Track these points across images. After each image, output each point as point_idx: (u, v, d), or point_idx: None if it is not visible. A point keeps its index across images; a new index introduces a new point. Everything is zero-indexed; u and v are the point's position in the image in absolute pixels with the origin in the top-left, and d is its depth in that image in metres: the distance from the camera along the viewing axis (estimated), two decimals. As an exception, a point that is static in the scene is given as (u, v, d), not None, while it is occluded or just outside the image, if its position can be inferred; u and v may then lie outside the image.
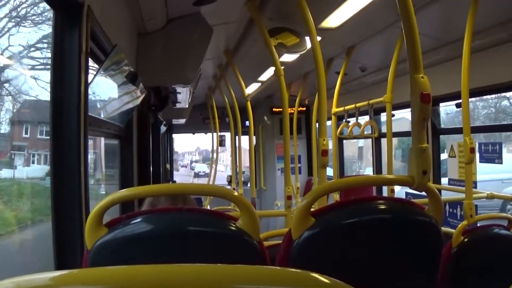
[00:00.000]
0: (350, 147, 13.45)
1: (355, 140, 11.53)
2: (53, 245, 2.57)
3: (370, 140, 9.52)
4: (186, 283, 0.88)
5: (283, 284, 0.90)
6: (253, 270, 0.92)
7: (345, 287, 0.91)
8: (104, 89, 4.02)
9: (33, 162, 4.98)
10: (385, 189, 7.31)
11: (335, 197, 6.96)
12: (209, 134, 14.51)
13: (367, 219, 2.15)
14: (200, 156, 57.43)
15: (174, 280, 0.88)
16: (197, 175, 44.80)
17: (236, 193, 2.12)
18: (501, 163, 5.89)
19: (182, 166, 51.19)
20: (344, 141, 10.76)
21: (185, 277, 0.89)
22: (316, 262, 2.13)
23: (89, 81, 2.84)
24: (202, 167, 47.65)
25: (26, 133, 4.91)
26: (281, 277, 0.92)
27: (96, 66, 3.48)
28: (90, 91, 2.92)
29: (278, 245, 2.36)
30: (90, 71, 2.87)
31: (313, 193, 2.22)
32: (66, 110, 2.60)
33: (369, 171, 12.53)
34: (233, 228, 2.00)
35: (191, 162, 54.38)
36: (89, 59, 2.90)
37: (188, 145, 56.60)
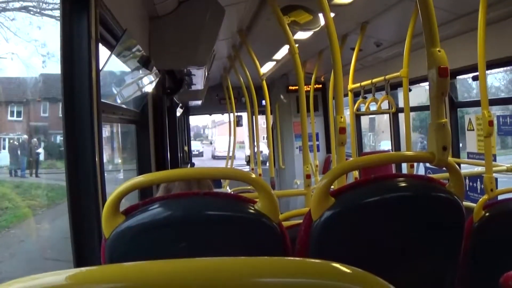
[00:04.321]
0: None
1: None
2: (71, 234, 2.57)
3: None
4: (204, 277, 0.85)
5: (303, 276, 0.87)
6: (273, 262, 0.89)
7: (366, 275, 0.88)
8: (117, 74, 4.00)
9: (3, 148, 4.77)
10: (404, 165, 7.28)
11: (355, 174, 6.94)
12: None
13: (388, 198, 2.13)
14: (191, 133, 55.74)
15: (191, 275, 0.85)
16: None
17: (253, 175, 2.10)
18: (521, 135, 5.82)
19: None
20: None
21: (203, 271, 0.86)
22: (337, 243, 2.12)
23: (100, 68, 2.82)
24: (195, 146, 41.83)
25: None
26: (301, 269, 0.89)
27: (108, 51, 3.46)
28: (102, 76, 2.90)
29: (298, 225, 2.34)
30: (101, 57, 2.85)
31: (332, 172, 2.20)
32: (78, 97, 2.58)
33: (384, 145, 12.45)
34: (251, 211, 1.98)
35: (180, 139, 51.79)
36: (100, 45, 2.87)
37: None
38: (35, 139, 4.89)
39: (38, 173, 4.86)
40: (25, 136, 4.81)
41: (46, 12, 4.15)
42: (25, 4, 4.12)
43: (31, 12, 4.13)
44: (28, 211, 4.46)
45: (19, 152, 4.70)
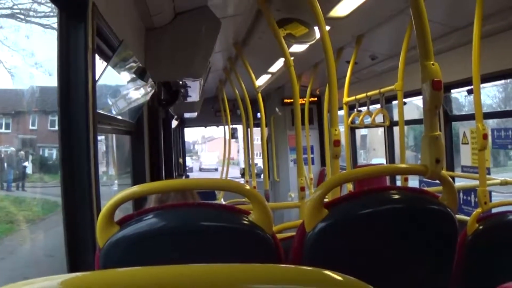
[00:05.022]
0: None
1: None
2: (65, 244, 2.57)
3: (374, 128, 9.47)
4: (198, 283, 0.86)
5: (296, 283, 0.89)
6: (265, 269, 0.91)
7: (358, 283, 0.89)
8: (113, 86, 4.00)
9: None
10: (398, 177, 7.28)
11: (349, 187, 6.94)
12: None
13: (381, 210, 2.14)
14: (181, 149, 57.14)
15: (185, 281, 0.86)
16: None
17: (247, 187, 2.10)
18: (515, 149, 5.84)
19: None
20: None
21: (196, 277, 0.87)
22: (330, 254, 2.12)
23: (96, 78, 2.83)
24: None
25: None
26: (294, 276, 0.91)
27: (104, 62, 3.47)
28: (98, 87, 2.91)
29: (292, 238, 2.34)
30: (97, 67, 2.86)
31: (325, 184, 2.21)
32: (74, 108, 2.59)
33: (376, 162, 12.46)
34: (245, 222, 1.99)
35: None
36: (97, 56, 2.89)
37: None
38: (22, 152, 4.85)
39: (25, 186, 4.81)
40: (13, 149, 4.77)
41: (35, 20, 4.14)
42: (13, 11, 4.11)
43: (18, 19, 4.12)
44: (12, 226, 4.42)
45: (5, 164, 4.66)
